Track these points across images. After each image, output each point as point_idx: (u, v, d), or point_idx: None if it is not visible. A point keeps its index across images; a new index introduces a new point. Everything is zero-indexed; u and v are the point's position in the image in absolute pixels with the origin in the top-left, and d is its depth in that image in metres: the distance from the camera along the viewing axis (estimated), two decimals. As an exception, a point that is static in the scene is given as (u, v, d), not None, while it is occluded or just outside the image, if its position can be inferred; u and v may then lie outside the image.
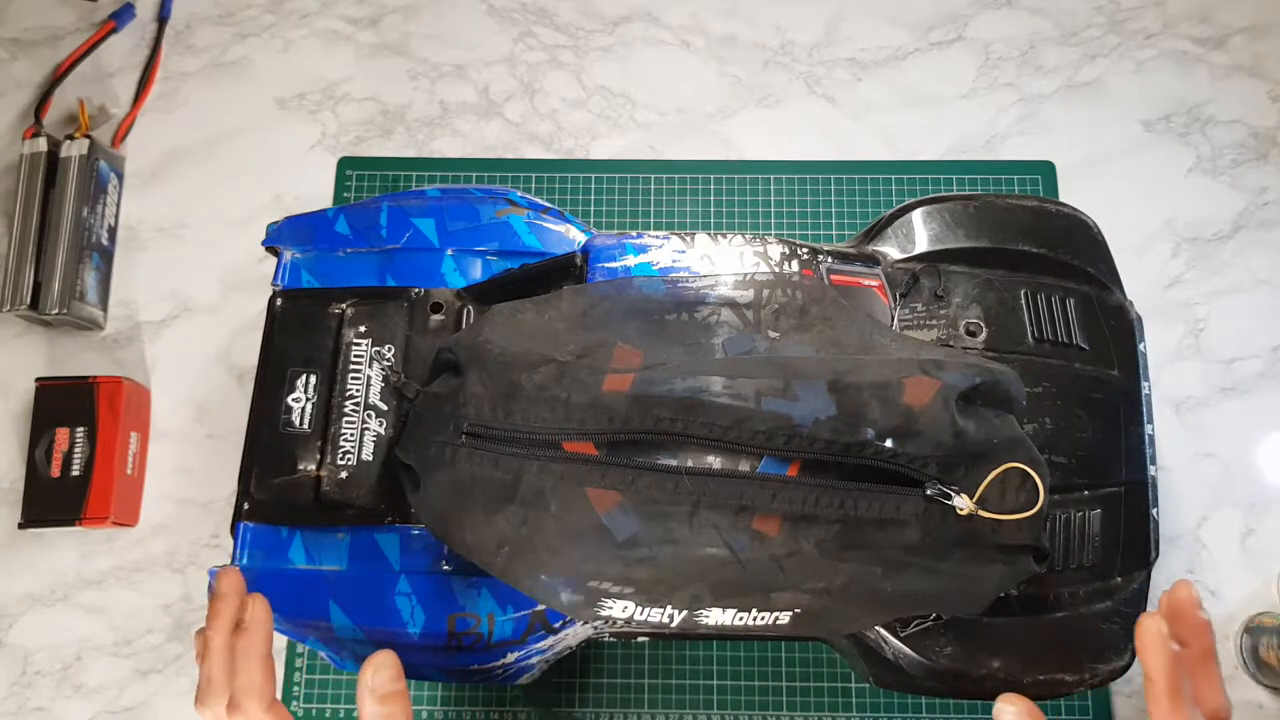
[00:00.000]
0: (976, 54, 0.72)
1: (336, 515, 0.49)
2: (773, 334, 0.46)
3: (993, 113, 0.71)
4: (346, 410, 0.50)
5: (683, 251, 0.51)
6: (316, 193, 0.69)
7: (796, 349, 0.45)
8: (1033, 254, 0.52)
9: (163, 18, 0.73)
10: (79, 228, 0.65)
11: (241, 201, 0.69)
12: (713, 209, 0.69)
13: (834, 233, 0.68)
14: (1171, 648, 0.36)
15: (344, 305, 0.52)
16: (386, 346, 0.51)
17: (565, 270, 0.52)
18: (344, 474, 0.49)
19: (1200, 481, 0.63)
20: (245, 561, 0.48)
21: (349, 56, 0.73)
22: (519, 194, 0.54)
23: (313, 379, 0.50)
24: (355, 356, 0.51)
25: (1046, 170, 0.69)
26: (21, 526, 0.60)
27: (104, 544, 0.63)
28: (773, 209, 0.69)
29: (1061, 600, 0.47)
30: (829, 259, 0.51)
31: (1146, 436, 0.50)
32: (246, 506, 0.49)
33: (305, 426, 0.50)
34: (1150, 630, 0.36)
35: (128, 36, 0.73)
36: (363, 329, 0.51)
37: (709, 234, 0.52)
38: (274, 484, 0.49)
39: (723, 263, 0.51)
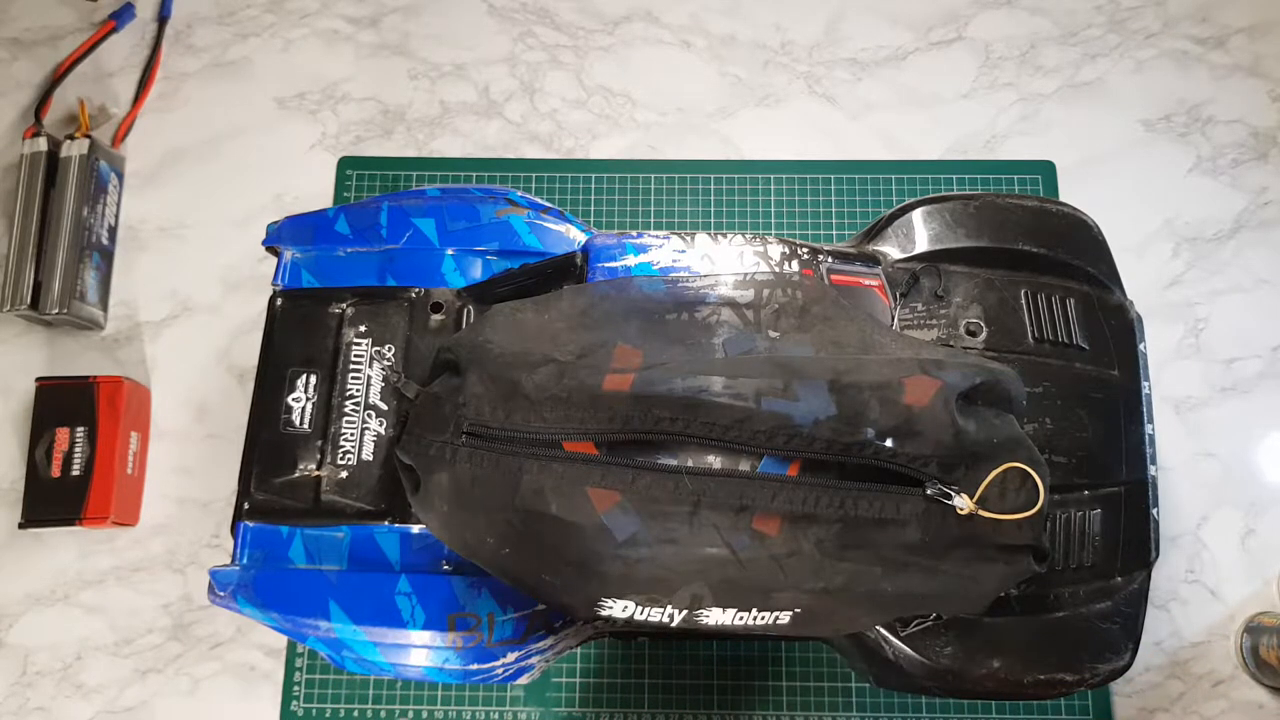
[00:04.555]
0: (976, 54, 0.72)
1: (336, 515, 0.49)
2: (773, 334, 0.46)
3: (993, 113, 0.71)
4: (347, 410, 0.50)
5: (683, 251, 0.51)
6: (316, 193, 0.69)
7: (797, 349, 0.45)
8: (1033, 254, 0.52)
9: (163, 18, 0.73)
10: (79, 228, 0.65)
11: (241, 201, 0.69)
12: (713, 209, 0.69)
13: (834, 233, 0.68)
14: None
15: (344, 305, 0.52)
16: (387, 346, 0.51)
17: (565, 270, 0.52)
18: (344, 474, 0.49)
19: (1200, 481, 0.63)
20: (245, 561, 0.48)
21: (349, 56, 0.73)
22: (519, 194, 0.54)
23: (313, 379, 0.50)
24: (355, 356, 0.51)
25: (1046, 170, 0.69)
26: (22, 526, 0.60)
27: (104, 544, 0.63)
28: (773, 209, 0.69)
29: (1062, 600, 0.47)
30: (829, 259, 0.51)
31: (1146, 436, 0.50)
32: (247, 506, 0.49)
33: (305, 426, 0.50)
34: None
35: (128, 36, 0.73)
36: (363, 329, 0.51)
37: (709, 234, 0.52)
38: (274, 484, 0.49)
39: (723, 262, 0.51)
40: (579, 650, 0.60)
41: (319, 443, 0.49)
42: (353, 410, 0.50)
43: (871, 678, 0.50)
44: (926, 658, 0.46)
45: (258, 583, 0.47)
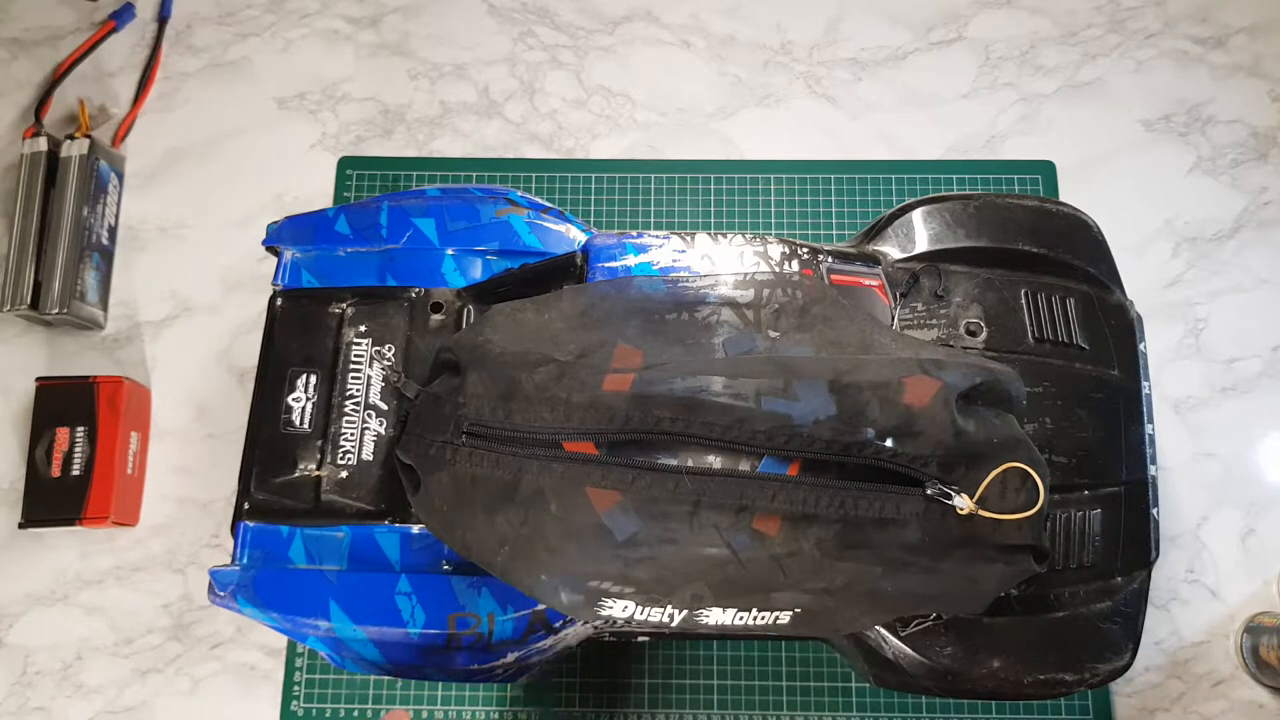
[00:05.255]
0: (976, 54, 0.72)
1: (336, 515, 0.49)
2: (773, 334, 0.46)
3: (993, 113, 0.71)
4: (347, 410, 0.50)
5: (683, 251, 0.51)
6: (316, 193, 0.69)
7: (796, 349, 0.45)
8: (1033, 253, 0.52)
9: (163, 18, 0.73)
10: (79, 228, 0.65)
11: (241, 201, 0.69)
12: (713, 209, 0.69)
13: (834, 233, 0.68)
14: None
15: (344, 305, 0.52)
16: (387, 346, 0.51)
17: (565, 270, 0.52)
18: (344, 474, 0.49)
19: (1200, 481, 0.63)
20: (245, 561, 0.48)
21: (349, 56, 0.73)
22: (519, 194, 0.54)
23: (313, 379, 0.50)
24: (355, 356, 0.51)
25: (1046, 170, 0.69)
26: (22, 526, 0.60)
27: (104, 544, 0.63)
28: (773, 209, 0.69)
29: (1062, 600, 0.47)
30: (829, 259, 0.51)
31: (1146, 436, 0.50)
32: (247, 506, 0.49)
33: (305, 426, 0.50)
34: None
35: (128, 36, 0.73)
36: (363, 329, 0.51)
37: (709, 234, 0.52)
38: (274, 484, 0.49)
39: (723, 262, 0.51)
40: (579, 650, 0.60)
41: (319, 443, 0.49)
42: (353, 410, 0.50)
43: (871, 678, 0.50)
44: (926, 658, 0.46)
45: (258, 583, 0.47)
